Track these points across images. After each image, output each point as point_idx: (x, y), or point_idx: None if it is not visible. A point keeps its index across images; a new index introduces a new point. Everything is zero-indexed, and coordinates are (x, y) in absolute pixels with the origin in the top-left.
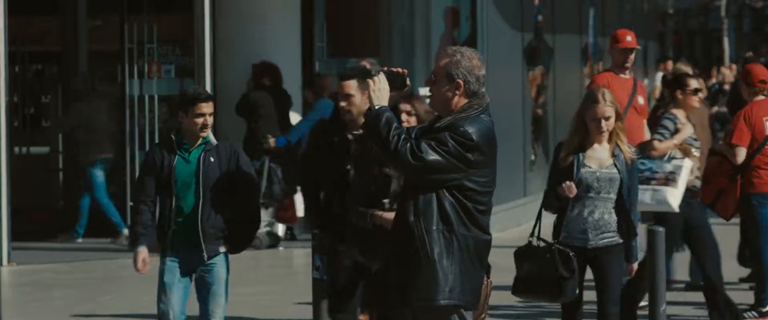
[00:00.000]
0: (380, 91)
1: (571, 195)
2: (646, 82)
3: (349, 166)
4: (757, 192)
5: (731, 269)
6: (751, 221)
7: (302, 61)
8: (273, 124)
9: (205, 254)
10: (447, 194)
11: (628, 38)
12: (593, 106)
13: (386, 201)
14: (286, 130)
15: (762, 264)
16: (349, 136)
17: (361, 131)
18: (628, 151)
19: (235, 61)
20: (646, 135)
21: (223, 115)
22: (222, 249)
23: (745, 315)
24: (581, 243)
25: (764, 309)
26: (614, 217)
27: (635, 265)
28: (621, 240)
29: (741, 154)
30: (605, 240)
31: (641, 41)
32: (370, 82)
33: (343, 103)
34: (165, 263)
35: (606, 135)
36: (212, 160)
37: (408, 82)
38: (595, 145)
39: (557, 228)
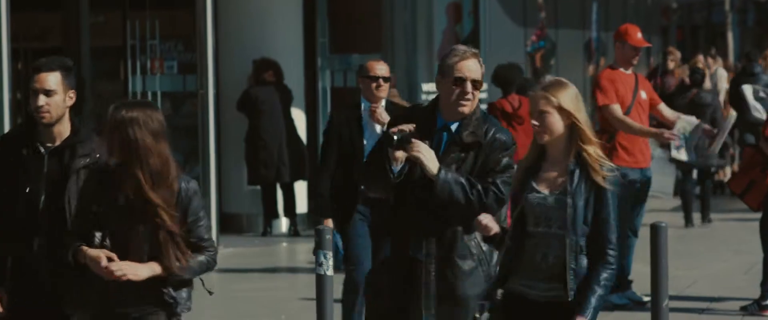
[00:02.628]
0: (428, 155)
1: (487, 234)
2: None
3: (43, 197)
4: None
5: (735, 264)
6: None
7: (304, 56)
8: (275, 120)
9: None
10: None
11: (639, 35)
12: (529, 98)
13: (98, 234)
14: (289, 125)
15: None
16: (42, 149)
17: (58, 144)
18: (599, 170)
19: (238, 57)
20: (669, 114)
21: (225, 111)
22: None
23: (746, 307)
24: (527, 292)
25: (765, 302)
26: (581, 262)
27: None
28: (576, 295)
29: None
30: (553, 293)
31: (645, 36)
32: (417, 154)
33: (41, 102)
34: None
35: (558, 144)
36: None
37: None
38: (551, 161)
39: (503, 270)
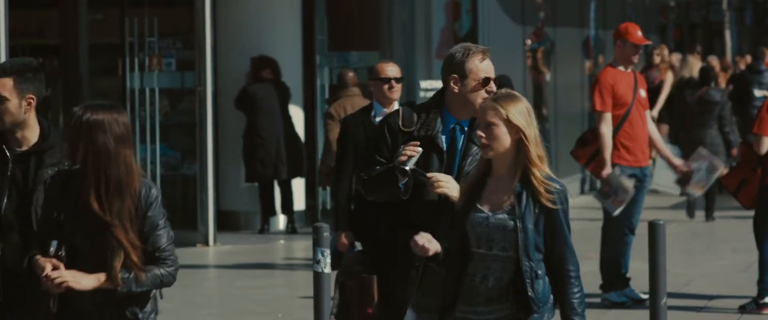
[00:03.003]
0: (451, 185)
1: (424, 255)
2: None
3: (4, 200)
4: None
5: (733, 262)
6: (763, 211)
7: (303, 54)
8: (273, 117)
9: None
10: None
11: (639, 33)
12: (479, 108)
13: (54, 243)
14: (287, 122)
15: (763, 255)
16: (8, 153)
17: (24, 149)
18: (545, 192)
19: (236, 54)
20: (652, 128)
21: (223, 108)
22: None
23: (745, 306)
24: (474, 317)
25: (762, 301)
26: (523, 285)
27: None
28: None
29: (764, 144)
30: (493, 316)
31: (643, 34)
32: (442, 191)
33: None
34: None
35: (505, 160)
36: None
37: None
38: (496, 177)
39: (448, 294)
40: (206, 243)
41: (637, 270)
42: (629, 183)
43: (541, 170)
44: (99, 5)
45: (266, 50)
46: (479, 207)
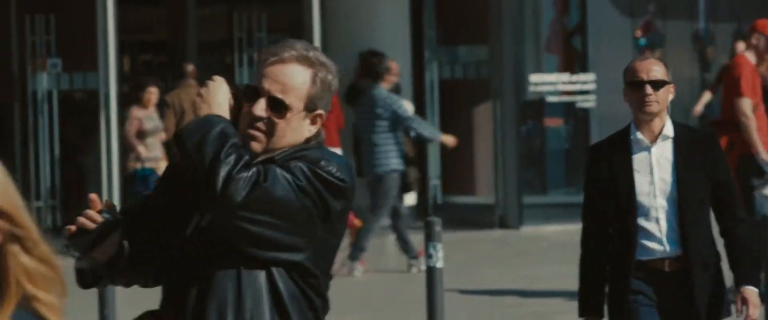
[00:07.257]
0: (216, 97)
1: None
2: None
3: None
4: None
5: None
6: None
7: (412, 49)
8: None
9: None
10: (284, 275)
11: None
12: None
13: None
14: None
15: None
16: None
17: None
18: None
19: (345, 50)
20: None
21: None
22: None
23: None
24: None
25: None
26: None
27: None
28: None
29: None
30: None
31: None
32: (203, 90)
33: None
34: None
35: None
36: None
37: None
38: None
39: None
40: None
41: None
42: None
43: (50, 300)
44: (207, 1)
45: (375, 45)
46: None
